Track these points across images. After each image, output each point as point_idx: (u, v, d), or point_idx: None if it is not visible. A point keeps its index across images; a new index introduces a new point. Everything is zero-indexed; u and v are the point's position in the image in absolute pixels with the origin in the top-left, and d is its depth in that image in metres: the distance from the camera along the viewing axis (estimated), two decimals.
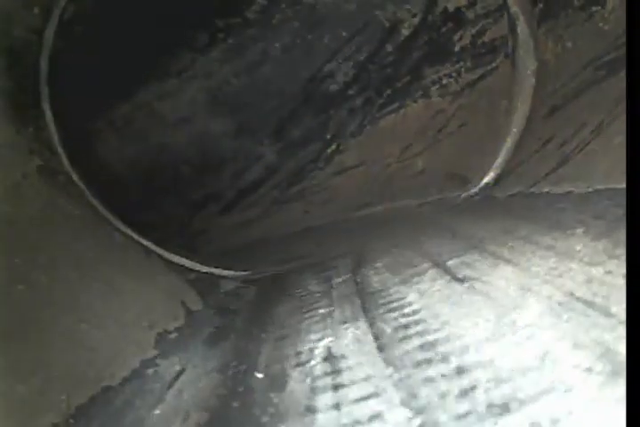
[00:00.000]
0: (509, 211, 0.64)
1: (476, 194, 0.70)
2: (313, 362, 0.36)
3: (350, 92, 1.06)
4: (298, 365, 0.36)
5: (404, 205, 0.91)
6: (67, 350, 0.51)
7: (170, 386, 0.40)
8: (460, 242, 0.61)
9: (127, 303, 0.55)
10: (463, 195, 0.73)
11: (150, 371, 0.43)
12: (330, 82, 1.11)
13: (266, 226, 1.21)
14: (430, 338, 0.32)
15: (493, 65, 0.77)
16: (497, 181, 0.67)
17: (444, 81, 0.87)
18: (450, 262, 0.52)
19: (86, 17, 0.91)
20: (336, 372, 0.31)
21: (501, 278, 0.42)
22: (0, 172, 0.56)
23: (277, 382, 0.34)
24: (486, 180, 0.68)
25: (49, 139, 0.67)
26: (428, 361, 0.29)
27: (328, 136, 1.14)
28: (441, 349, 0.28)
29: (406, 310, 0.39)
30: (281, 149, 1.21)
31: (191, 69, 1.20)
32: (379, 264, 0.63)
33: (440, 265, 0.50)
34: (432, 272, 0.50)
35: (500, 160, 0.66)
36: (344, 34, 1.07)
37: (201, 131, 1.25)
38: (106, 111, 1.18)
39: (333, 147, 1.14)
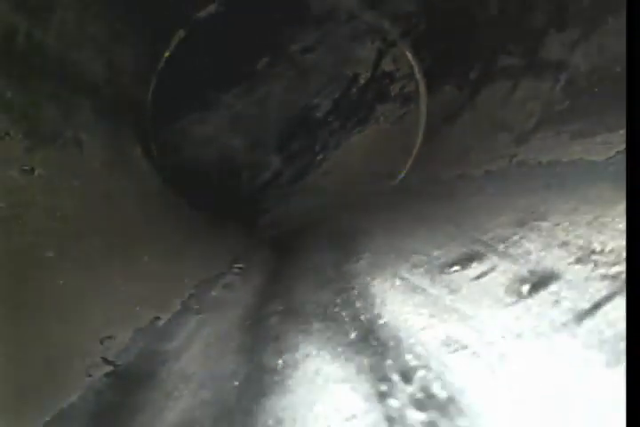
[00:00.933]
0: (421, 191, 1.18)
1: (400, 182, 1.24)
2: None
3: (330, 119, 1.59)
4: None
5: (367, 191, 1.45)
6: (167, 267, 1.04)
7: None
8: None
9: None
10: (392, 183, 1.27)
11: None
12: (316, 112, 1.63)
13: (276, 214, 1.73)
14: None
15: (411, 107, 1.31)
16: (409, 173, 1.20)
17: (387, 114, 1.40)
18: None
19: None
20: None
21: None
22: (142, 180, 1.09)
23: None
24: (404, 172, 1.22)
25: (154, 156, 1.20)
26: None
27: (317, 149, 1.67)
28: None
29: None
30: (284, 158, 1.73)
31: (216, 104, 1.73)
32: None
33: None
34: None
35: (410, 160, 1.19)
36: (324, 80, 1.59)
37: (225, 146, 1.77)
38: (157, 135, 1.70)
39: (321, 156, 1.67)
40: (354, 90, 1.48)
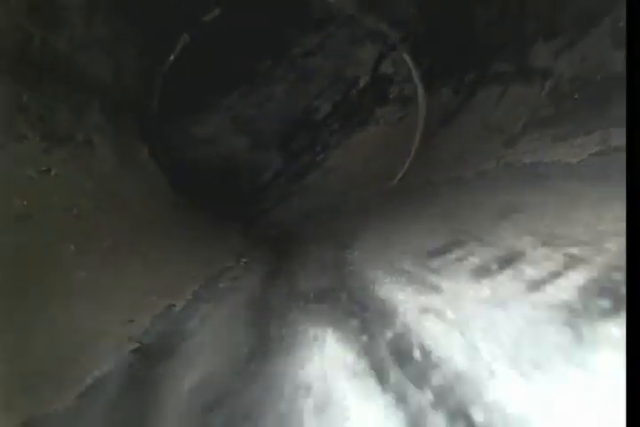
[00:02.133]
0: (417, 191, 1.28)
1: (398, 181, 1.34)
2: None
3: (330, 120, 1.70)
4: None
5: (366, 190, 1.56)
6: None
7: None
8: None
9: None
10: (391, 183, 1.38)
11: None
12: (317, 113, 1.74)
13: (276, 214, 1.83)
14: None
15: (409, 109, 1.42)
16: (406, 173, 1.31)
17: (386, 116, 1.51)
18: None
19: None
20: None
21: None
22: (149, 180, 1.19)
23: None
24: (402, 173, 1.32)
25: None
26: None
27: (317, 149, 1.78)
28: None
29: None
30: (285, 158, 1.84)
31: (219, 106, 1.84)
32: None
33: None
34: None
35: (408, 161, 1.29)
36: (325, 82, 1.70)
37: (227, 147, 1.88)
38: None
39: (322, 156, 1.77)
40: (354, 92, 1.59)
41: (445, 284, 0.50)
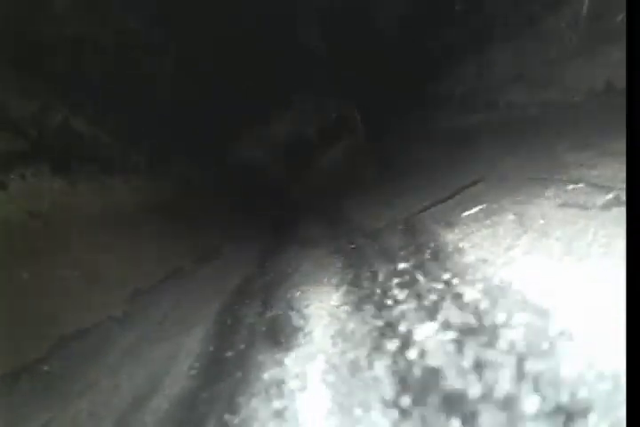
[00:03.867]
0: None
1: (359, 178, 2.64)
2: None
3: (315, 142, 2.97)
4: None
5: (340, 184, 2.83)
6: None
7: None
8: None
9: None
10: (355, 178, 2.68)
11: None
12: (308, 137, 3.00)
13: (287, 196, 3.06)
14: None
15: (356, 134, 2.71)
16: (360, 170, 2.61)
17: (347, 138, 2.79)
18: None
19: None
20: None
21: None
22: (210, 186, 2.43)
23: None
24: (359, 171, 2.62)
25: None
26: None
27: (309, 160, 3.03)
28: None
29: None
30: (289, 165, 3.08)
31: (248, 136, 3.08)
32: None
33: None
34: None
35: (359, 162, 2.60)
36: (311, 119, 2.97)
37: (255, 160, 3.11)
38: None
39: (311, 163, 3.03)
40: (331, 125, 2.88)
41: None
